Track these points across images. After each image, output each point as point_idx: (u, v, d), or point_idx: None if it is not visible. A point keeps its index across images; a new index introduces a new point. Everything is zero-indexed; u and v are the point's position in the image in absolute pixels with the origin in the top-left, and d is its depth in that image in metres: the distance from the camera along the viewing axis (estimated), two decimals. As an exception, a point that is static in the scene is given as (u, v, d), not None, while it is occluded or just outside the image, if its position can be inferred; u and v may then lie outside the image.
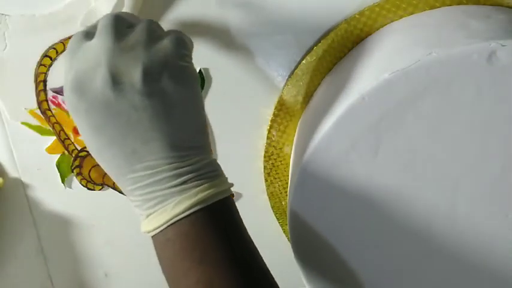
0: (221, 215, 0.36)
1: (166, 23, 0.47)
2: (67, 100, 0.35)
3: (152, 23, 0.37)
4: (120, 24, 0.36)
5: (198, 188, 0.35)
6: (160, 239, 0.36)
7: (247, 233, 0.37)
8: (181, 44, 0.37)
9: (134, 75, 0.34)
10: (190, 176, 0.35)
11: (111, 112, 0.34)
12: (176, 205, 0.34)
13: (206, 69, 0.48)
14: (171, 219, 0.35)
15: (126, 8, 0.44)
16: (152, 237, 0.36)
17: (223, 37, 0.47)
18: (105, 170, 0.36)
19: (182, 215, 0.35)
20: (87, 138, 0.35)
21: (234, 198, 0.53)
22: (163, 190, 0.35)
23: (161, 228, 0.35)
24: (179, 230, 0.35)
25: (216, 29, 0.47)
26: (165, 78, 0.35)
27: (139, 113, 0.34)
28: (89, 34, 0.36)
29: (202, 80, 0.49)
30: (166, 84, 0.35)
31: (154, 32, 0.36)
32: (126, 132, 0.34)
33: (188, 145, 0.36)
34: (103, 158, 0.36)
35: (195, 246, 0.35)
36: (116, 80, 0.34)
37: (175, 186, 0.35)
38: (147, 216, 0.36)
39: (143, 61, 0.35)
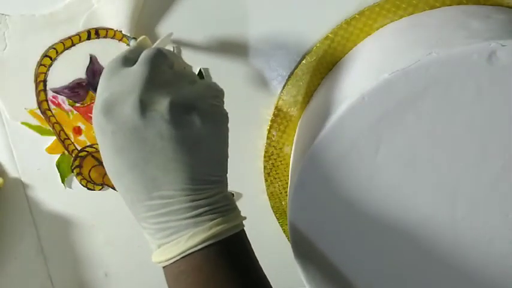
0: (234, 248, 0.36)
1: (166, 23, 0.47)
2: (95, 120, 0.36)
3: (190, 68, 0.39)
4: (162, 60, 0.37)
5: (213, 222, 0.35)
6: (173, 271, 0.36)
7: (258, 263, 0.38)
8: (214, 87, 0.39)
9: (164, 104, 0.35)
10: (206, 209, 0.35)
11: (137, 137, 0.35)
12: (191, 237, 0.35)
13: (206, 69, 0.48)
14: (185, 251, 0.35)
15: (127, 9, 0.44)
16: (164, 267, 0.36)
17: (223, 37, 0.47)
18: (121, 194, 0.36)
19: (196, 248, 0.35)
20: (109, 160, 0.36)
21: (234, 198, 0.53)
22: (178, 221, 0.35)
23: (174, 259, 0.35)
24: (193, 263, 0.35)
25: (216, 29, 0.47)
26: (194, 113, 0.36)
27: (164, 142, 0.35)
28: (128, 60, 0.37)
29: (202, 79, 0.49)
30: (195, 119, 0.36)
31: (191, 75, 0.38)
32: (148, 159, 0.35)
33: (207, 179, 0.36)
34: (121, 181, 0.36)
35: (209, 280, 0.35)
36: (145, 108, 0.35)
37: (191, 218, 0.35)
38: (159, 246, 0.36)
39: (175, 93, 0.36)
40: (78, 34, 0.47)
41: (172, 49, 0.47)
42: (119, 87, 0.35)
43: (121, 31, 0.47)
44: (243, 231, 0.37)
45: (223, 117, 0.39)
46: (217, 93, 0.39)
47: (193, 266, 0.35)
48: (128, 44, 0.47)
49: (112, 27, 0.47)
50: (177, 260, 0.35)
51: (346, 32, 0.46)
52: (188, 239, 0.35)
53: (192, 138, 0.35)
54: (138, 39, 0.42)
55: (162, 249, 0.35)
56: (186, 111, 0.36)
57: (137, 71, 0.36)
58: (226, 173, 0.38)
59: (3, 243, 0.57)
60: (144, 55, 0.37)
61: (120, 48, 0.47)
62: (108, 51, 0.48)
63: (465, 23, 0.41)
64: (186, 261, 0.35)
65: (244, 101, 0.49)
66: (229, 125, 0.51)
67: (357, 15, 0.45)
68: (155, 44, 0.42)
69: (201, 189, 0.36)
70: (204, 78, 0.48)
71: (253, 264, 0.37)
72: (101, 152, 0.36)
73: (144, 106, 0.35)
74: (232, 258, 0.36)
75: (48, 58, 0.48)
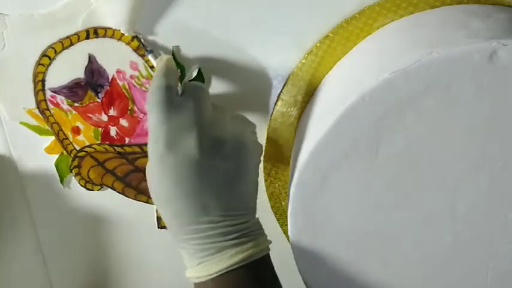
0: (264, 267, 0.42)
1: (166, 22, 0.47)
2: (157, 152, 0.39)
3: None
4: (207, 96, 0.42)
5: (250, 243, 0.40)
6: (209, 286, 0.39)
7: (278, 280, 0.43)
8: (249, 121, 0.45)
9: (220, 140, 0.40)
10: (244, 232, 0.40)
11: (196, 169, 0.39)
12: (232, 256, 0.39)
13: (206, 69, 0.48)
14: (225, 268, 0.39)
15: (126, 8, 0.44)
16: (197, 283, 0.40)
17: (223, 37, 0.47)
18: (167, 219, 0.40)
19: (235, 266, 0.39)
20: (163, 189, 0.39)
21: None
22: (221, 242, 0.39)
23: (213, 275, 0.39)
24: (230, 280, 0.39)
25: (216, 29, 0.47)
26: (242, 146, 0.41)
27: (219, 173, 0.40)
28: (171, 89, 0.40)
29: (202, 80, 0.48)
30: (243, 152, 0.41)
31: (228, 109, 0.44)
32: (203, 188, 0.39)
33: (247, 205, 0.41)
34: (172, 208, 0.39)
35: None
36: (204, 143, 0.39)
37: (233, 239, 0.39)
38: (199, 264, 0.40)
39: (226, 129, 0.41)
40: (76, 33, 0.47)
41: (172, 50, 0.47)
42: (177, 122, 0.39)
43: (120, 30, 0.46)
44: (269, 254, 0.42)
45: (261, 149, 0.44)
46: (254, 127, 0.45)
47: (230, 282, 0.39)
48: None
49: (111, 26, 0.46)
50: (216, 277, 0.39)
51: (346, 32, 0.46)
52: (230, 257, 0.39)
53: (240, 169, 0.41)
54: (164, 59, 0.43)
55: (202, 266, 0.39)
56: (237, 147, 0.41)
57: (191, 108, 0.40)
58: (256, 200, 0.43)
59: (2, 243, 0.57)
60: (193, 92, 0.41)
61: (119, 47, 0.47)
62: (107, 51, 0.47)
63: (466, 23, 0.41)
64: (224, 277, 0.39)
65: (244, 101, 0.49)
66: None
67: (357, 15, 0.45)
68: (188, 76, 0.45)
69: (242, 214, 0.40)
70: (204, 79, 0.48)
71: (278, 283, 0.42)
72: (153, 180, 0.40)
73: (202, 142, 0.39)
74: (263, 278, 0.41)
75: (47, 58, 0.48)
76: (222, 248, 0.39)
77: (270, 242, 0.42)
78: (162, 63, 0.42)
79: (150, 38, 0.47)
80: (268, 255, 0.42)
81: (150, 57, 0.46)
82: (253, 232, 0.41)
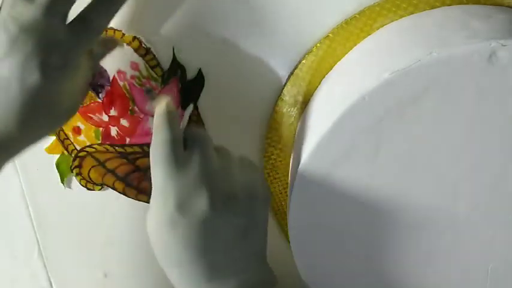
0: None
1: (167, 22, 0.47)
2: (166, 213, 0.37)
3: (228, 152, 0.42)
4: (211, 146, 0.40)
5: None
6: None
7: None
8: (256, 167, 0.42)
9: (231, 196, 0.39)
10: (258, 284, 0.39)
11: (207, 230, 0.37)
12: None
13: (206, 69, 0.48)
14: None
15: (128, 9, 0.44)
16: None
17: (223, 37, 0.47)
18: (176, 280, 0.39)
19: None
20: (173, 252, 0.38)
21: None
22: None
23: None
24: None
25: (216, 29, 0.47)
26: (254, 200, 0.40)
27: (229, 230, 0.38)
28: (178, 142, 0.39)
29: (202, 79, 0.49)
30: (256, 205, 0.40)
31: (233, 157, 0.41)
32: (214, 248, 0.38)
33: (259, 257, 0.40)
34: (183, 269, 0.38)
35: None
36: (214, 201, 0.38)
37: None
38: None
39: (236, 183, 0.39)
40: (77, 34, 0.47)
41: (172, 50, 0.47)
42: (185, 180, 0.38)
43: (122, 32, 0.47)
44: None
45: (270, 195, 0.43)
46: (262, 175, 0.43)
47: None
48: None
49: (112, 27, 0.46)
50: None
51: (346, 32, 0.46)
52: None
53: (252, 221, 0.40)
54: (163, 103, 0.41)
55: None
56: (248, 198, 0.39)
57: (198, 163, 0.38)
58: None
59: (2, 243, 0.57)
60: (197, 141, 0.39)
61: (120, 48, 0.47)
62: (107, 51, 0.48)
63: (466, 23, 0.41)
64: None
65: (244, 101, 0.49)
66: (229, 125, 0.51)
67: (357, 15, 0.45)
68: (185, 120, 0.44)
69: (254, 268, 0.40)
70: (204, 78, 0.48)
71: None
72: (160, 242, 0.38)
73: (214, 200, 0.38)
74: None
75: (48, 58, 0.48)
76: None
77: (277, 282, 0.41)
78: (161, 107, 0.40)
79: (151, 38, 0.47)
80: None
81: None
82: (268, 282, 0.40)
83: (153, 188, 0.38)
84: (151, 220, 0.38)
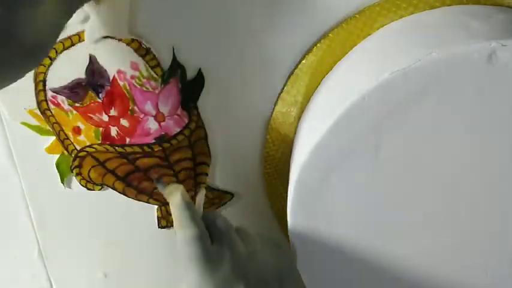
0: None
1: (168, 23, 0.47)
2: None
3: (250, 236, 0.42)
4: (238, 238, 0.40)
5: None
6: None
7: None
8: (280, 244, 0.43)
9: (263, 285, 0.39)
10: None
11: None
12: None
13: (206, 69, 0.48)
14: None
15: (122, 17, 0.44)
16: None
17: (223, 37, 0.47)
18: None
19: None
20: None
21: (233, 198, 0.53)
22: None
23: None
24: None
25: (216, 29, 0.47)
26: (285, 280, 0.41)
27: None
28: (205, 238, 0.39)
29: (202, 79, 0.49)
30: (286, 284, 0.40)
31: (256, 241, 0.41)
32: None
33: None
34: None
35: None
36: None
37: None
38: None
39: (268, 270, 0.40)
40: (77, 34, 0.47)
41: (172, 50, 0.47)
42: (221, 276, 0.38)
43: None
44: None
45: (296, 266, 0.43)
46: (286, 247, 0.43)
47: None
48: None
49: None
50: None
51: (346, 32, 0.46)
52: None
53: None
54: (178, 195, 0.41)
55: None
56: (279, 281, 0.40)
57: (228, 257, 0.38)
58: None
59: (3, 243, 0.57)
60: (223, 233, 0.39)
61: (120, 48, 0.47)
62: (108, 51, 0.47)
63: (465, 23, 0.41)
64: None
65: (244, 101, 0.49)
66: (229, 125, 0.51)
67: (357, 15, 0.45)
68: (199, 204, 0.43)
69: None
70: (204, 78, 0.48)
71: None
72: None
73: None
74: None
75: (48, 58, 0.48)
76: None
77: None
78: (179, 200, 0.40)
79: (151, 38, 0.47)
80: None
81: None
82: None
83: (187, 285, 0.38)
84: None
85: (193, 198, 0.52)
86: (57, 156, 0.52)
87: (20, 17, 0.33)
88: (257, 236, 0.41)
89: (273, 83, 0.49)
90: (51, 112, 0.50)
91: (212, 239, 0.39)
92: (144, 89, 0.49)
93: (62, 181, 0.53)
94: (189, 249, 0.38)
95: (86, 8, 0.43)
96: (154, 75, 0.48)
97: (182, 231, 0.39)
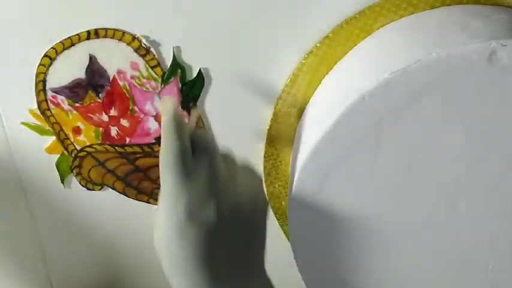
0: None
1: (167, 22, 0.47)
2: (175, 221, 0.37)
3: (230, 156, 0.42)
4: (218, 156, 0.40)
5: None
6: None
7: None
8: (259, 175, 0.43)
9: (235, 207, 0.39)
10: None
11: (213, 239, 0.38)
12: None
13: (206, 69, 0.48)
14: None
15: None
16: None
17: (223, 37, 0.47)
18: (179, 285, 0.39)
19: None
20: (179, 260, 0.38)
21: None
22: None
23: None
24: None
25: (216, 29, 0.47)
26: (257, 209, 0.41)
27: (233, 240, 0.39)
28: (186, 151, 0.39)
29: (202, 79, 0.49)
30: (257, 214, 0.41)
31: (235, 164, 0.42)
32: (218, 257, 0.38)
33: (260, 265, 0.41)
34: (185, 277, 0.38)
35: None
36: (223, 211, 0.38)
37: None
38: None
39: (242, 194, 0.40)
40: (77, 34, 0.47)
41: (172, 50, 0.47)
42: (194, 190, 0.38)
43: (122, 32, 0.47)
44: None
45: (268, 205, 0.43)
46: (262, 179, 0.43)
47: None
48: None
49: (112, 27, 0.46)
50: None
51: (346, 32, 0.46)
52: None
53: (255, 233, 0.41)
54: (169, 106, 0.40)
55: None
56: (251, 208, 0.40)
57: (207, 171, 0.38)
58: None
59: (2, 243, 0.57)
60: (205, 149, 0.40)
61: (120, 48, 0.47)
62: (107, 51, 0.48)
63: (465, 23, 0.41)
64: None
65: (244, 101, 0.49)
66: (229, 125, 0.51)
67: (357, 15, 0.45)
68: (192, 122, 0.43)
69: (255, 276, 0.40)
70: (204, 78, 0.48)
71: None
72: (166, 249, 0.38)
73: (221, 210, 0.38)
74: None
75: (48, 58, 0.48)
76: None
77: None
78: (170, 113, 0.40)
79: (151, 38, 0.47)
80: None
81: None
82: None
83: (161, 195, 0.39)
84: (159, 228, 0.38)
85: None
86: (57, 156, 0.52)
87: None
88: (241, 165, 0.42)
89: (273, 83, 0.49)
90: (51, 112, 0.50)
91: (195, 156, 0.40)
92: (144, 89, 0.49)
93: (62, 181, 0.53)
94: (168, 160, 0.38)
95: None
96: (154, 75, 0.48)
97: (164, 142, 0.39)
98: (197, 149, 0.40)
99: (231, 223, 0.39)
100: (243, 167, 0.42)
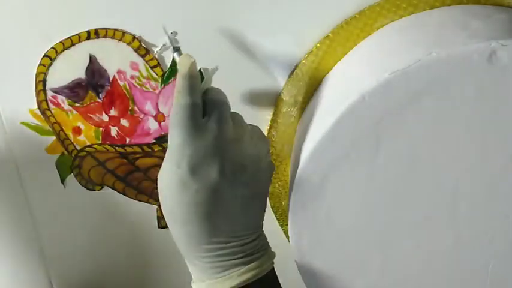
0: (272, 277, 0.42)
1: (167, 22, 0.47)
2: (178, 175, 0.39)
3: (237, 116, 0.43)
4: (230, 118, 0.41)
5: (257, 262, 0.41)
6: None
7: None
8: (267, 140, 0.44)
9: (242, 168, 0.40)
10: (253, 250, 0.41)
11: (215, 196, 0.39)
12: (243, 273, 0.40)
13: (206, 69, 0.48)
14: (237, 284, 0.40)
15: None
16: None
17: (223, 37, 0.47)
18: (180, 238, 0.41)
19: (243, 284, 0.40)
20: (180, 211, 0.39)
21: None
22: (231, 261, 0.40)
23: None
24: None
25: (216, 29, 0.47)
26: (261, 173, 0.42)
27: (235, 200, 0.40)
28: (197, 108, 0.39)
29: (202, 79, 0.48)
30: (261, 176, 0.42)
31: (246, 126, 0.42)
32: (218, 212, 0.39)
33: (256, 225, 0.42)
34: (186, 228, 0.40)
35: None
36: (225, 171, 0.39)
37: (242, 258, 0.40)
38: (209, 279, 0.40)
39: (247, 155, 0.41)
40: (77, 34, 0.47)
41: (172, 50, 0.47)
42: (201, 145, 0.39)
43: (122, 32, 0.47)
44: (273, 265, 0.43)
45: (273, 169, 0.44)
46: (269, 146, 0.44)
47: None
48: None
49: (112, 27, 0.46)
50: None
51: (346, 32, 0.46)
52: (240, 274, 0.40)
53: (256, 194, 0.41)
54: (188, 65, 0.40)
55: (214, 282, 0.40)
56: (255, 171, 0.41)
57: (215, 131, 0.39)
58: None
59: (2, 243, 0.57)
60: (217, 110, 0.40)
61: (120, 48, 0.47)
62: (107, 51, 0.48)
63: (465, 23, 0.41)
64: None
65: (244, 101, 0.49)
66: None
67: (357, 15, 0.45)
68: (208, 82, 0.43)
69: (251, 233, 0.41)
70: (205, 79, 0.48)
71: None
72: (169, 201, 0.40)
73: (225, 169, 0.39)
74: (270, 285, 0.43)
75: (48, 58, 0.48)
76: (231, 266, 0.40)
77: (275, 255, 0.43)
78: (185, 70, 0.40)
79: (151, 38, 0.47)
80: (272, 268, 0.42)
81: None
82: (260, 249, 0.41)
83: (168, 149, 0.39)
84: (163, 178, 0.40)
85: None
86: (57, 156, 0.52)
87: None
88: (250, 128, 0.43)
89: (273, 83, 0.49)
90: (51, 112, 0.50)
91: (205, 114, 0.40)
92: (144, 89, 0.49)
93: (62, 181, 0.53)
94: (178, 116, 0.39)
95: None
96: (154, 75, 0.48)
97: (177, 98, 0.40)
98: (208, 107, 0.40)
99: (233, 184, 0.40)
100: (252, 129, 0.43)
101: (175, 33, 0.46)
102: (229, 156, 0.39)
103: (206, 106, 0.40)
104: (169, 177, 0.39)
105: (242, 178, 0.40)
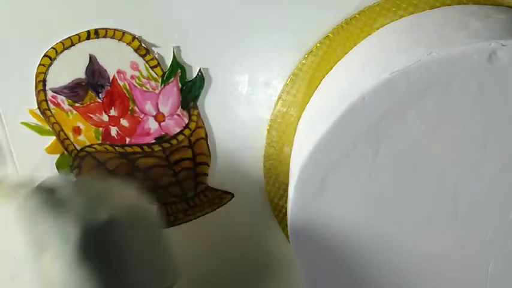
0: None
1: (168, 22, 0.47)
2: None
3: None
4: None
5: None
6: None
7: None
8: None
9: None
10: None
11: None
12: None
13: (206, 69, 0.48)
14: None
15: None
16: None
17: (223, 37, 0.47)
18: None
19: None
20: None
21: (233, 198, 0.53)
22: None
23: None
24: None
25: (216, 29, 0.47)
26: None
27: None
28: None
29: (202, 79, 0.49)
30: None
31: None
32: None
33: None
34: None
35: None
36: None
37: None
38: None
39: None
40: (77, 34, 0.47)
41: (172, 50, 0.47)
42: None
43: (122, 32, 0.47)
44: None
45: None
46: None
47: None
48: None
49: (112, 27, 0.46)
50: None
51: (346, 32, 0.46)
52: None
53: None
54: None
55: None
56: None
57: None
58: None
59: (2, 243, 0.57)
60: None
61: (120, 48, 0.47)
62: (108, 51, 0.48)
63: (465, 23, 0.41)
64: None
65: (244, 101, 0.49)
66: (229, 124, 0.51)
67: (357, 15, 0.45)
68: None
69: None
70: (204, 78, 0.48)
71: None
72: None
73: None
74: None
75: (48, 58, 0.48)
76: None
77: None
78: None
79: (151, 38, 0.47)
80: None
81: None
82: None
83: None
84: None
85: (194, 197, 0.52)
86: (57, 156, 0.52)
87: None
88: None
89: (273, 83, 0.49)
90: (51, 112, 0.50)
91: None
92: (144, 89, 0.49)
93: (62, 181, 0.53)
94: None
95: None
96: (154, 75, 0.48)
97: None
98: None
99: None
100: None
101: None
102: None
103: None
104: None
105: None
